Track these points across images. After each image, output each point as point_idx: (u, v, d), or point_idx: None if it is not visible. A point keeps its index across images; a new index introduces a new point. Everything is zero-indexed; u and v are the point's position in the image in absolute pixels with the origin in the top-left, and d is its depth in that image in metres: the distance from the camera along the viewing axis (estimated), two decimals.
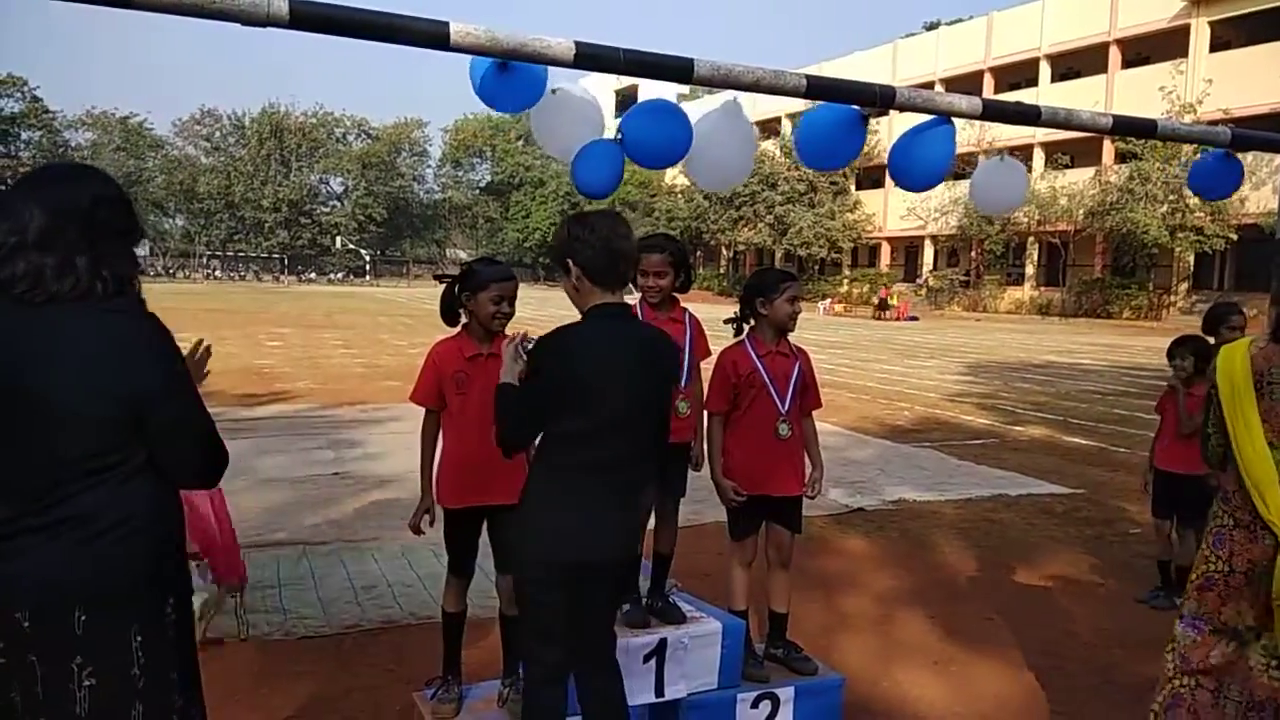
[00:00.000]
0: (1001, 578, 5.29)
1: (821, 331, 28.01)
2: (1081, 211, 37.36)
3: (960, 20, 47.65)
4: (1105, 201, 36.08)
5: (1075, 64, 40.11)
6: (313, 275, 72.95)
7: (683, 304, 3.56)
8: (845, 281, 48.45)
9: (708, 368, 3.48)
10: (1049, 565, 5.53)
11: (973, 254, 43.64)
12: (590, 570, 2.50)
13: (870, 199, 49.25)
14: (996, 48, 42.85)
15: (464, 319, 3.18)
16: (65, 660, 1.64)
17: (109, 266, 1.75)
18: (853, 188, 49.84)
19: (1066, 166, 38.99)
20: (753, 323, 3.49)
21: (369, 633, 4.24)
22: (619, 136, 3.15)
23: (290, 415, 10.28)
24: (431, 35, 2.54)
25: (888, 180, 46.19)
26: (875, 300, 41.48)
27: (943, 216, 42.66)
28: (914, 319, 37.22)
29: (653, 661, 3.06)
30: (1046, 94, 39.08)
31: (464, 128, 77.97)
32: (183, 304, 32.43)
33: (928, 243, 46.32)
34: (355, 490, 6.90)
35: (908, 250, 49.12)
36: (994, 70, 43.04)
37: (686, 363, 3.45)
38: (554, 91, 2.96)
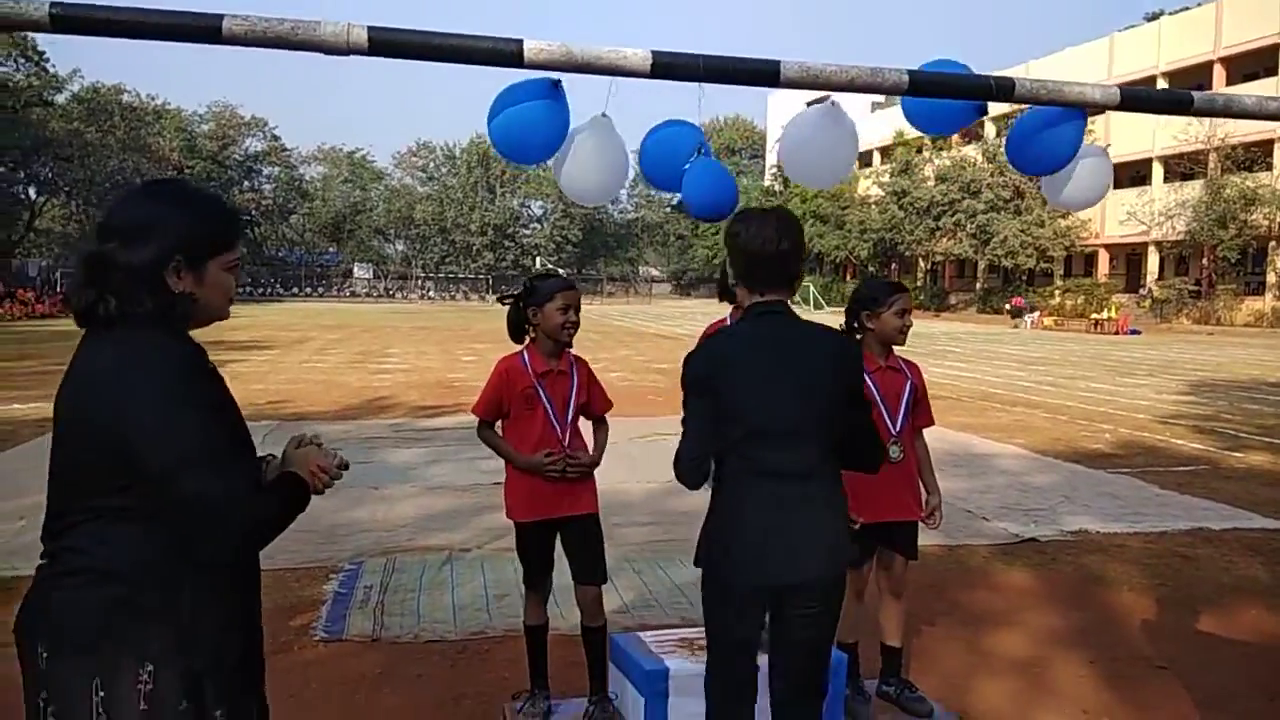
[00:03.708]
0: (1183, 622, 4.72)
1: (1025, 346, 26.31)
2: None
3: (1185, 9, 43.61)
4: None
5: None
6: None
7: None
8: (1057, 293, 45.19)
9: None
10: (1242, 611, 4.87)
11: (1204, 261, 39.61)
12: (787, 594, 2.31)
13: None
14: (1229, 35, 38.76)
15: (530, 335, 3.21)
16: (34, 694, 1.64)
17: (116, 296, 1.64)
18: None
19: None
20: (859, 337, 3.29)
21: (493, 639, 4.32)
22: (700, 150, 3.12)
23: (468, 425, 10.72)
24: (505, 54, 2.56)
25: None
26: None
27: (1168, 221, 38.93)
28: (1135, 332, 34.24)
29: None
30: None
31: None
32: (398, 323, 34.96)
33: (1152, 250, 42.48)
34: None
35: (1129, 258, 45.26)
36: (1225, 60, 39.00)
37: None
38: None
